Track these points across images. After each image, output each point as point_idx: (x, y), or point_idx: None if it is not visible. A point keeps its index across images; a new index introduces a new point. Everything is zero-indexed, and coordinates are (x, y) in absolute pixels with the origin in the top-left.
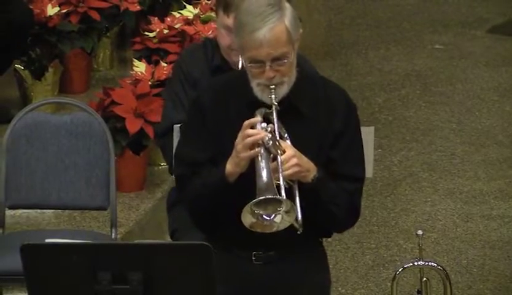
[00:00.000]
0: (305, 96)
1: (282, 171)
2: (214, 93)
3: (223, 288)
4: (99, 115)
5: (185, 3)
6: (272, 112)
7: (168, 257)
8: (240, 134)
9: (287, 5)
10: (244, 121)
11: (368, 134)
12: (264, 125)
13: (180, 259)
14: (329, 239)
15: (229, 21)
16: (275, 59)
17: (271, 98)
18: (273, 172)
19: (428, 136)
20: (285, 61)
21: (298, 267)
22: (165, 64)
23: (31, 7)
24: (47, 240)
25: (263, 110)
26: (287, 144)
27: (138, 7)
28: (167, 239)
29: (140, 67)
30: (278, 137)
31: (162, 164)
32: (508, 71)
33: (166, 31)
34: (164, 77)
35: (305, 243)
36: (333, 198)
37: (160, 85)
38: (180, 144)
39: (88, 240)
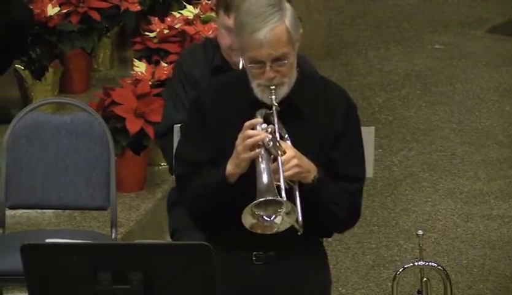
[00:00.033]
0: (305, 97)
1: (283, 172)
2: (214, 93)
3: (223, 288)
4: (99, 115)
5: (185, 4)
6: (272, 113)
7: (168, 257)
8: (240, 135)
9: (287, 5)
10: (244, 121)
11: (368, 134)
12: (264, 126)
13: (180, 259)
14: (329, 239)
15: (230, 21)
16: (276, 60)
17: (271, 98)
18: (273, 173)
19: (429, 136)
20: (286, 61)
21: (299, 267)
22: (165, 64)
23: (31, 7)
24: (47, 240)
25: (263, 110)
26: (287, 144)
27: (138, 7)
28: (168, 240)
29: (140, 67)
30: (278, 138)
31: (162, 164)
32: (508, 71)
33: (166, 31)
34: (164, 77)
35: (305, 243)
36: (334, 199)
37: (160, 85)
38: (180, 144)
39: (88, 240)
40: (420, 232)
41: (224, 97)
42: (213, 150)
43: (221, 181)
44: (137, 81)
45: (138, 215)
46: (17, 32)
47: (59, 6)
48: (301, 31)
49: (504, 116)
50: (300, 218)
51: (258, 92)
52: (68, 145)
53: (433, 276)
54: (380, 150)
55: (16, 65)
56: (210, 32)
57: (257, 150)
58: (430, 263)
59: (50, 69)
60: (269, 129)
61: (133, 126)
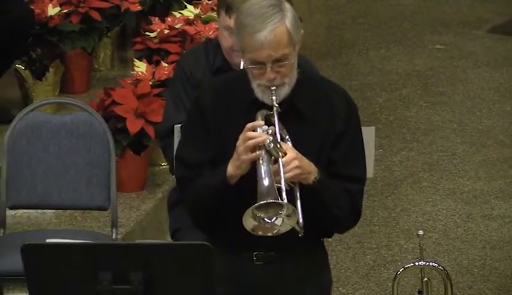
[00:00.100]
0: (306, 97)
1: (283, 173)
2: (215, 94)
3: (224, 288)
4: (99, 115)
5: (185, 4)
6: (273, 114)
7: (169, 257)
8: (241, 137)
9: (288, 6)
10: (244, 121)
11: (368, 134)
12: (265, 127)
13: (180, 259)
14: (330, 239)
15: (231, 22)
16: (276, 61)
17: (271, 99)
18: (274, 175)
19: (429, 136)
20: (286, 62)
21: (299, 267)
22: (166, 64)
23: (32, 7)
24: (48, 240)
25: (264, 111)
26: (288, 146)
27: (139, 7)
28: (168, 240)
29: (141, 67)
30: (279, 139)
31: (163, 164)
32: (508, 71)
33: (166, 31)
34: (164, 77)
35: (306, 243)
36: (334, 199)
37: (161, 85)
38: (181, 145)
39: (88, 240)
40: (421, 232)
41: (225, 97)
42: (213, 150)
43: (222, 182)
44: (137, 81)
45: (138, 215)
46: (17, 32)
47: (60, 6)
48: (302, 31)
49: (504, 116)
50: (301, 220)
51: (258, 93)
52: (68, 146)
53: (433, 276)
54: (380, 150)
55: (16, 65)
56: (211, 33)
57: (258, 152)
58: (431, 264)
59: (51, 69)
60: (270, 131)
61: (133, 126)
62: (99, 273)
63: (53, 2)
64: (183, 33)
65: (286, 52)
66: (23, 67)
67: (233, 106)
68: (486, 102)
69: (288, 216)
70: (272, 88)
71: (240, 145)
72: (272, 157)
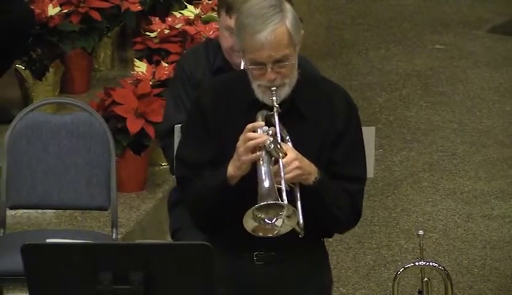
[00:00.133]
0: (306, 98)
1: (284, 174)
2: (215, 93)
3: (224, 288)
4: (99, 115)
5: (186, 3)
6: (273, 114)
7: (169, 257)
8: (241, 138)
9: (288, 6)
10: (245, 122)
11: (369, 134)
12: (266, 128)
13: (181, 259)
14: (330, 239)
15: (232, 22)
16: (277, 62)
17: (272, 99)
18: (275, 175)
19: (429, 136)
20: (287, 63)
21: (299, 267)
22: (166, 64)
23: (32, 7)
24: (48, 240)
25: (264, 112)
26: (288, 146)
27: (139, 7)
28: (168, 240)
29: (141, 67)
30: (279, 140)
31: (163, 164)
32: (508, 71)
33: (167, 31)
34: (165, 77)
35: (306, 243)
36: (335, 200)
37: (161, 85)
38: (181, 145)
39: (89, 240)
40: (421, 232)
41: (225, 97)
42: (213, 150)
43: (223, 183)
44: (137, 81)
45: (139, 215)
46: (17, 32)
47: (60, 6)
48: (302, 32)
49: (504, 116)
50: (301, 221)
51: (258, 93)
52: (69, 146)
53: (433, 276)
54: (380, 150)
55: (17, 65)
56: (211, 33)
57: (258, 153)
58: (431, 264)
59: (51, 69)
60: (270, 132)
61: (134, 126)
62: (100, 273)
63: (53, 2)
64: (183, 33)
65: (286, 53)
66: (23, 67)
67: (233, 106)
68: (486, 102)
69: (288, 216)
70: (273, 88)
71: (241, 146)
72: (273, 158)
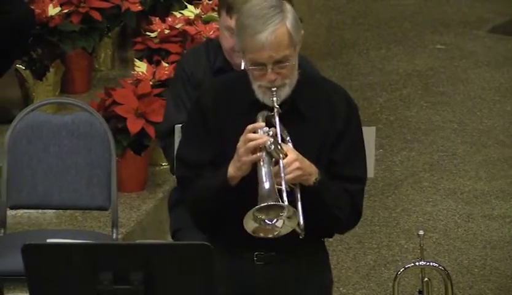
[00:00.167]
0: (307, 98)
1: (284, 175)
2: (216, 93)
3: (224, 288)
4: (100, 115)
5: (186, 3)
6: (273, 115)
7: (169, 257)
8: (242, 138)
9: (289, 7)
10: (245, 122)
11: (369, 134)
12: (266, 129)
13: (181, 259)
14: (330, 239)
15: (232, 22)
16: (277, 62)
17: (272, 100)
18: (275, 176)
19: (430, 136)
20: (287, 63)
21: (300, 267)
22: (166, 64)
23: (32, 7)
24: (48, 240)
25: (265, 113)
26: (288, 147)
27: (139, 7)
28: (169, 240)
29: (141, 67)
30: (280, 141)
31: (163, 164)
32: (509, 71)
33: (167, 31)
34: (165, 77)
35: (307, 243)
36: (335, 200)
37: (161, 85)
38: (181, 145)
39: (89, 240)
40: (421, 232)
41: (226, 98)
42: (214, 150)
43: (223, 184)
44: (138, 81)
45: (139, 215)
46: (17, 32)
47: (60, 6)
48: (302, 32)
49: (505, 116)
50: (302, 222)
51: (259, 94)
52: (69, 146)
53: (434, 276)
54: (381, 150)
55: (17, 65)
56: (212, 33)
57: (259, 154)
58: (431, 264)
59: (51, 69)
60: (271, 133)
61: (134, 126)
62: (100, 273)
63: (54, 2)
64: (183, 33)
65: (287, 53)
66: (24, 67)
67: (234, 106)
68: (487, 102)
69: (289, 217)
70: (273, 89)
71: (241, 147)
72: (273, 159)
